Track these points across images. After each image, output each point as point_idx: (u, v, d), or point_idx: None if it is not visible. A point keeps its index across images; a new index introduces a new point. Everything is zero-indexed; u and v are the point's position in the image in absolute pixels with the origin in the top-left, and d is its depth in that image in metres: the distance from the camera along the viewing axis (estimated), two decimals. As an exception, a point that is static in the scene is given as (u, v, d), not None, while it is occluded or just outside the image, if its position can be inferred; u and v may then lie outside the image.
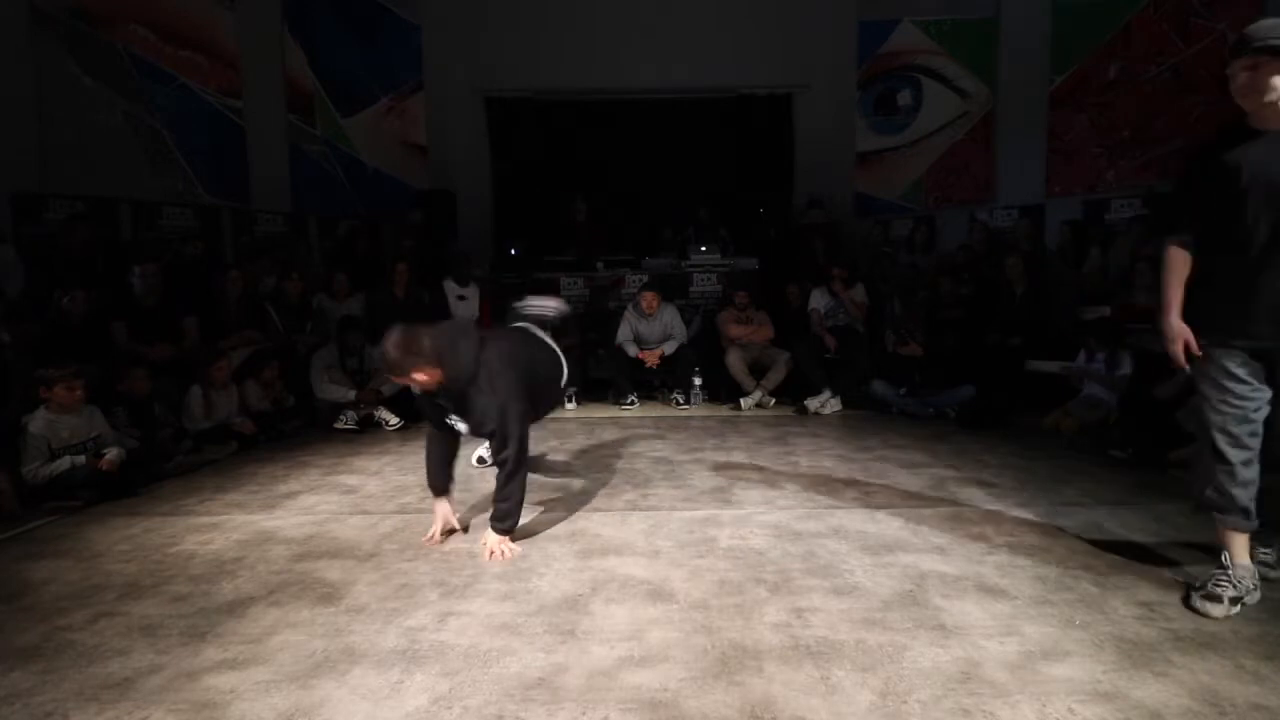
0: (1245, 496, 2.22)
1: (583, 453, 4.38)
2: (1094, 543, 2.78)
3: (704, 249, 7.43)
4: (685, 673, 1.91)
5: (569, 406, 6.06)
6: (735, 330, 6.23)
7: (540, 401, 3.08)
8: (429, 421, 2.97)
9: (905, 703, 1.76)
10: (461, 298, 6.58)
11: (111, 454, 3.68)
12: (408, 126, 8.98)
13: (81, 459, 3.65)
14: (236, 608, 2.33)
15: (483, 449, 3.89)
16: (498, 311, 6.97)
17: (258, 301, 5.76)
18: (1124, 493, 3.45)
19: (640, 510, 3.27)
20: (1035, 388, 5.32)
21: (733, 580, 2.48)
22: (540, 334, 3.44)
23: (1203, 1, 6.48)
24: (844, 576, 2.50)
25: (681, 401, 6.09)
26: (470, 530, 3.03)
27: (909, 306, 6.46)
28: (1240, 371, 2.20)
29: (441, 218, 8.21)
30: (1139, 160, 6.93)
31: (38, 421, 3.65)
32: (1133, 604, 2.26)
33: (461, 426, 2.85)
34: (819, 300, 6.36)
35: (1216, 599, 2.18)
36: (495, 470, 2.81)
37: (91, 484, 3.59)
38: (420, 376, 2.64)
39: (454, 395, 2.75)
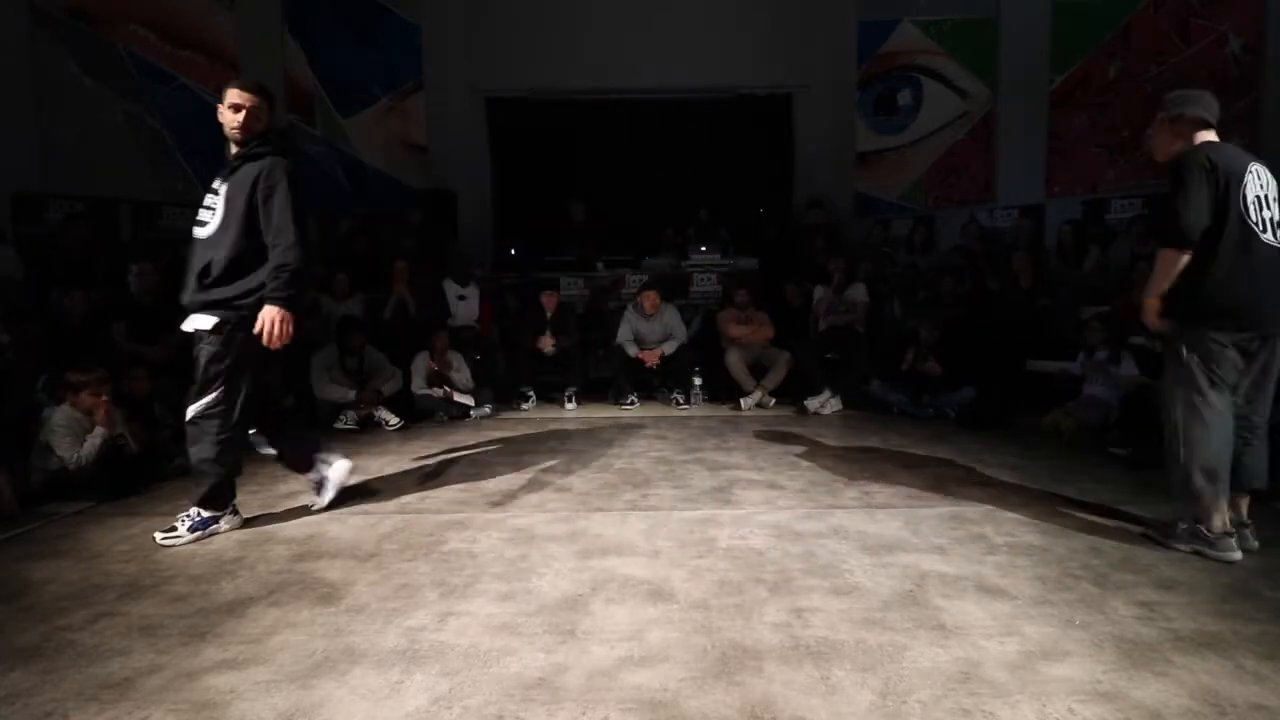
0: None
1: (582, 453, 4.37)
2: (1094, 543, 2.78)
3: (704, 249, 7.43)
4: (685, 673, 1.91)
5: (569, 407, 6.05)
6: (735, 330, 6.23)
7: None
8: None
9: (905, 703, 1.76)
10: (461, 298, 6.58)
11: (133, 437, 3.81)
12: (408, 126, 8.98)
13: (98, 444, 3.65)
14: (236, 608, 2.33)
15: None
16: (498, 311, 6.99)
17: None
18: (1124, 493, 3.45)
19: (640, 510, 3.27)
20: (1035, 388, 5.32)
21: (733, 580, 2.48)
22: None
23: (1203, 1, 6.48)
24: (844, 576, 2.50)
25: (681, 401, 6.08)
26: (469, 530, 3.04)
27: (909, 307, 6.46)
28: None
29: (441, 218, 8.21)
30: (1139, 160, 6.93)
31: (61, 413, 3.63)
32: (1133, 604, 2.26)
33: None
34: (820, 297, 6.41)
35: None
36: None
37: (102, 464, 3.62)
38: None
39: None
